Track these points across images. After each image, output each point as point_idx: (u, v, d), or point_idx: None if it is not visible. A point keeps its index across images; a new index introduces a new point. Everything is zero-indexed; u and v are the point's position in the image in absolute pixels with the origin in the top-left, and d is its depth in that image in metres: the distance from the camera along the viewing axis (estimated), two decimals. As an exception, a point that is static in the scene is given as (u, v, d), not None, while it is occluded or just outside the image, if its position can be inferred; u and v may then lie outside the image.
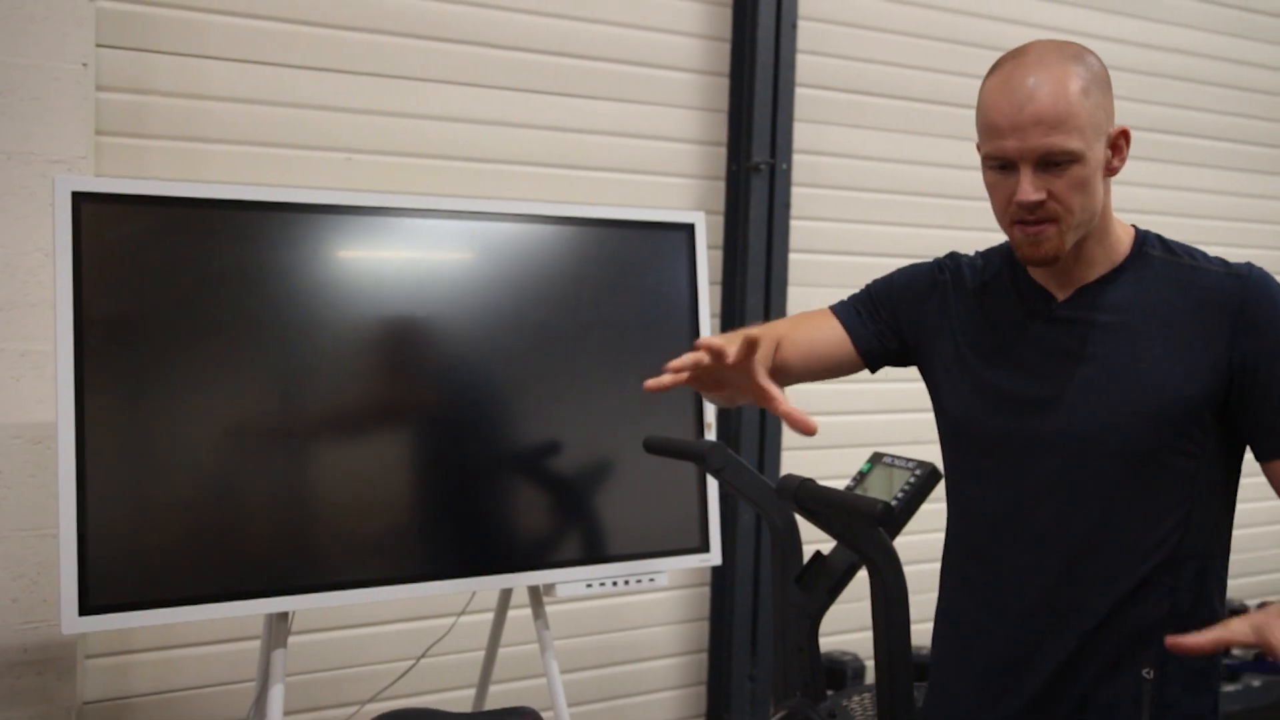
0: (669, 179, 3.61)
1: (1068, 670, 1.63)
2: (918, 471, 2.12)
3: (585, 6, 3.42)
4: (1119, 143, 1.59)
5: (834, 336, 1.82)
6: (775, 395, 1.49)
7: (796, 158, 3.74)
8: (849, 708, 2.14)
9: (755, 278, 3.65)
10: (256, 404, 2.36)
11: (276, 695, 2.28)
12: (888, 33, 3.93)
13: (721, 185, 3.70)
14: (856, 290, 1.89)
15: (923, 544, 3.93)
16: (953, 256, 1.84)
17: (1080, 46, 1.59)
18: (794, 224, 3.74)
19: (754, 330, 1.63)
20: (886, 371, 1.89)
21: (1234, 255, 1.68)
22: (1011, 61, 1.57)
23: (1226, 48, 4.69)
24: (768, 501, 2.11)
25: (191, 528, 2.26)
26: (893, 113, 3.95)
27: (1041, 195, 1.54)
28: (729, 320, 3.65)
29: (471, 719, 1.88)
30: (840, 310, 1.85)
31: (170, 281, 2.28)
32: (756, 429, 3.66)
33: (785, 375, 1.77)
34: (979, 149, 1.60)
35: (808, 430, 1.45)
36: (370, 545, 2.43)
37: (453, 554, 2.50)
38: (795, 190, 3.74)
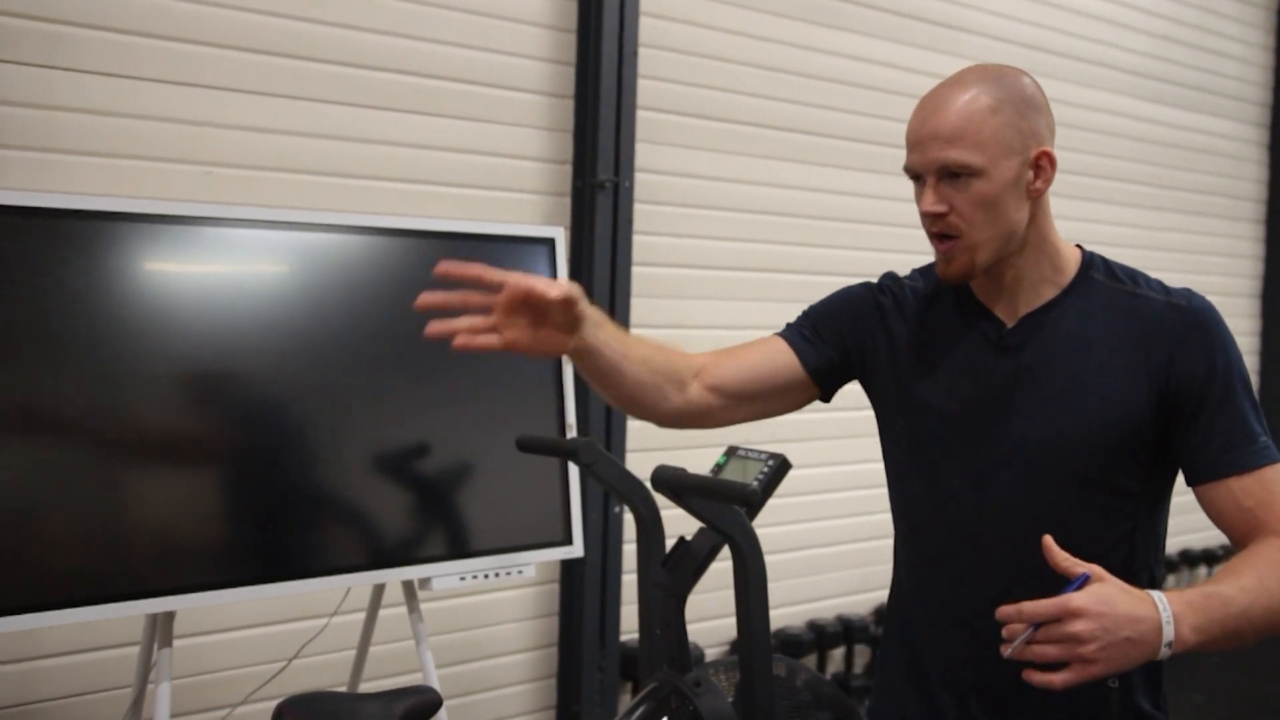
0: (516, 195, 3.77)
1: (1026, 684, 1.53)
2: (770, 461, 2.32)
3: (439, 31, 3.55)
4: (1041, 163, 1.58)
5: (781, 356, 1.79)
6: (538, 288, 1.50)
7: (638, 176, 3.97)
8: (712, 678, 2.34)
9: (601, 290, 3.84)
10: (98, 411, 2.40)
11: (164, 693, 2.33)
12: (722, 61, 4.21)
13: (566, 201, 3.88)
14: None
15: (772, 537, 4.22)
16: (892, 277, 1.83)
17: (1010, 69, 1.61)
18: (636, 239, 3.96)
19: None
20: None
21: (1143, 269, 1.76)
22: (939, 83, 1.61)
23: (1144, 110, 5.93)
24: (636, 493, 2.29)
25: (57, 534, 2.30)
26: (725, 135, 4.23)
27: (942, 208, 1.57)
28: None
29: (375, 698, 1.98)
30: (784, 333, 1.83)
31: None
32: (603, 431, 3.86)
33: (727, 397, 1.77)
34: None
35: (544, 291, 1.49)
36: (247, 546, 2.50)
37: (326, 552, 2.60)
38: (637, 207, 3.97)
